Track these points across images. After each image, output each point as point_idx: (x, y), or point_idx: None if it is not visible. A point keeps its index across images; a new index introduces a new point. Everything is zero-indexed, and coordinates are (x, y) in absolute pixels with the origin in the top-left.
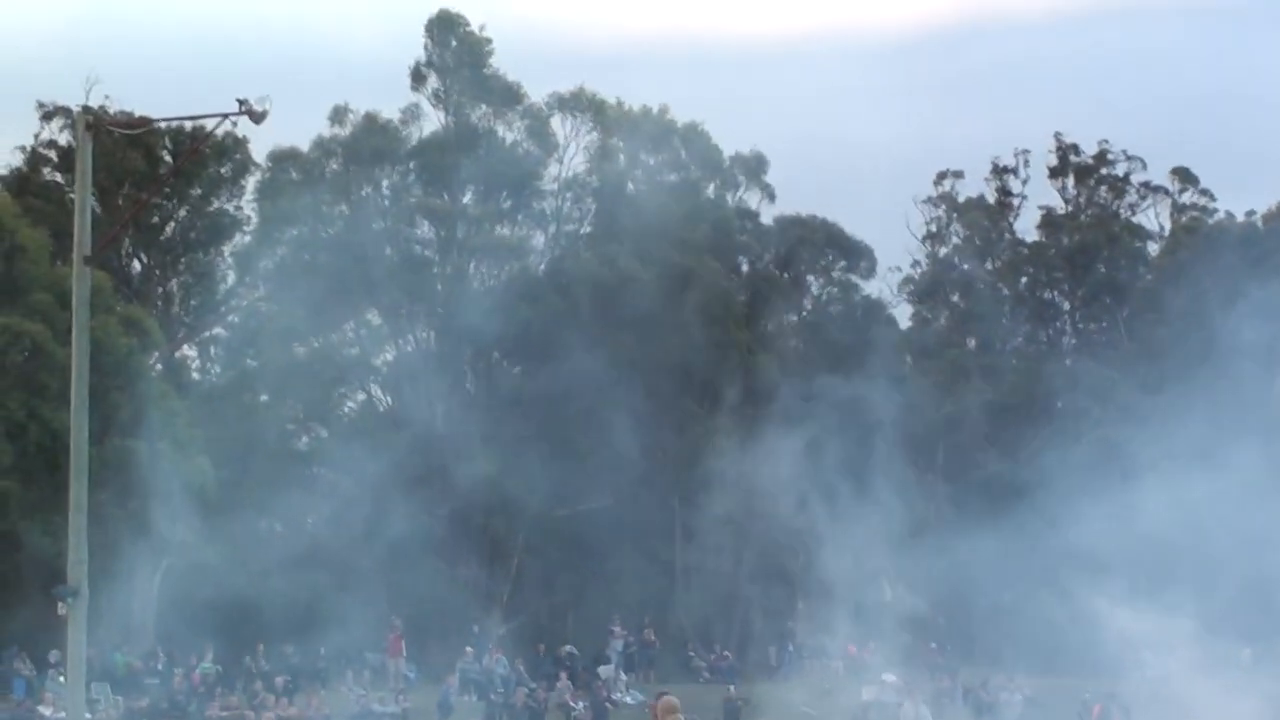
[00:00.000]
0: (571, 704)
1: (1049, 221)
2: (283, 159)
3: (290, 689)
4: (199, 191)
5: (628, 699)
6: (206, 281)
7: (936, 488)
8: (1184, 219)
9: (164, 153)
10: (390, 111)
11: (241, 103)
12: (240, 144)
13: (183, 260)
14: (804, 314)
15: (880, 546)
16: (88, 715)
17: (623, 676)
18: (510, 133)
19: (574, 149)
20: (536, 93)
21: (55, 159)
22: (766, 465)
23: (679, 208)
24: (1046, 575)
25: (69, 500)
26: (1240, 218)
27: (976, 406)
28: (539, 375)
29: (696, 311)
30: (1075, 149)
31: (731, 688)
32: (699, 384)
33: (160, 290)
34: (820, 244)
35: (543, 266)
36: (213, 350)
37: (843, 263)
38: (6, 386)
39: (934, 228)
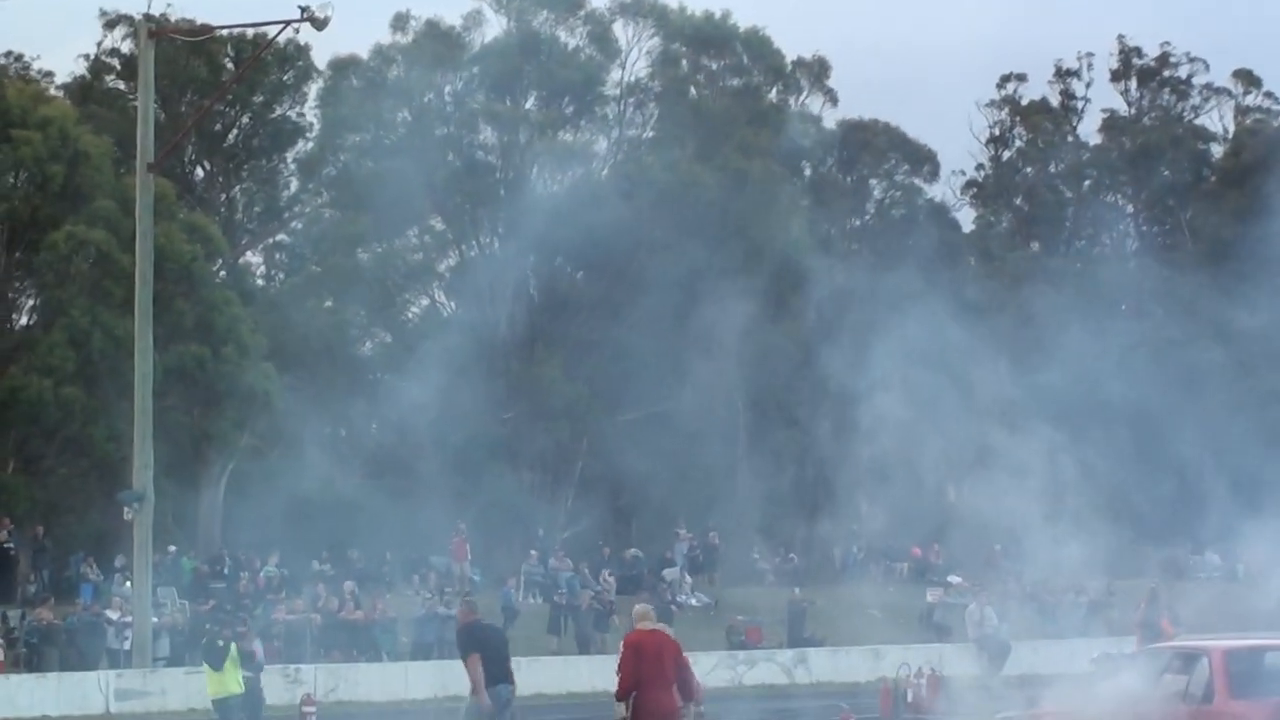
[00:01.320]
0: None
1: (1111, 124)
2: (344, 66)
3: (356, 593)
4: (261, 99)
5: (692, 601)
6: (269, 188)
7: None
8: (1247, 121)
9: (226, 60)
10: (452, 18)
11: (304, 9)
12: (302, 51)
13: (245, 167)
14: (866, 218)
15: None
16: (154, 619)
17: (687, 579)
18: (572, 38)
19: (636, 54)
20: None
21: (118, 67)
22: (830, 365)
23: (742, 112)
24: None
25: (134, 407)
26: None
27: (1039, 309)
28: (602, 280)
29: (758, 215)
30: (1138, 51)
31: (797, 590)
32: (763, 287)
33: (223, 197)
34: (883, 148)
35: (605, 171)
36: (276, 256)
37: (905, 166)
38: (71, 294)
39: (997, 131)
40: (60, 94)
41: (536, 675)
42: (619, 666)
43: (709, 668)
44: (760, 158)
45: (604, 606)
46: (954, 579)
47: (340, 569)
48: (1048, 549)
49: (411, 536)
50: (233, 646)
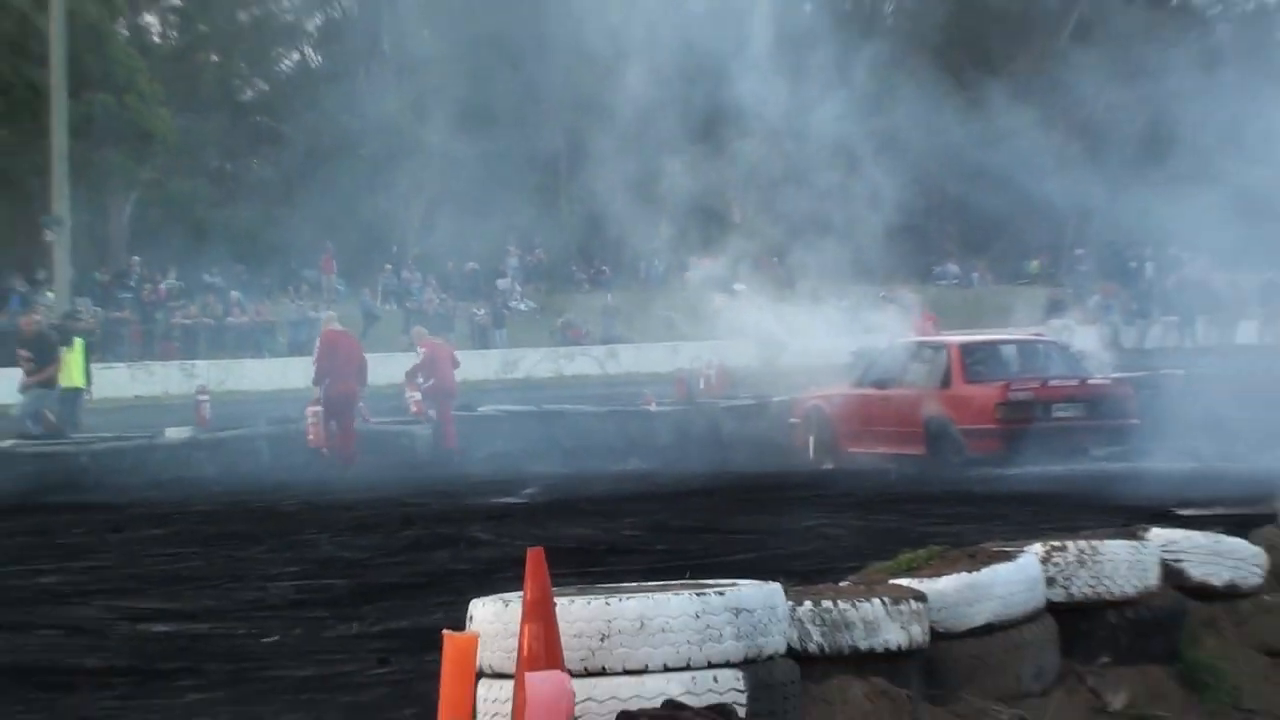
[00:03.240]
0: (475, 311)
1: None
2: None
3: (241, 300)
4: None
5: (521, 306)
6: None
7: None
8: None
9: None
10: None
11: None
12: None
13: None
14: None
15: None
16: (77, 319)
17: (517, 288)
18: None
19: None
20: None
21: None
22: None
23: None
24: None
25: (53, 145)
26: None
27: None
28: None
29: None
30: None
31: (609, 296)
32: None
33: None
34: None
35: None
36: (169, 18)
37: None
38: None
39: None
40: None
41: (391, 366)
42: (316, 359)
43: (536, 360)
44: None
45: (446, 309)
46: (739, 287)
47: (228, 280)
48: (827, 258)
49: (287, 253)
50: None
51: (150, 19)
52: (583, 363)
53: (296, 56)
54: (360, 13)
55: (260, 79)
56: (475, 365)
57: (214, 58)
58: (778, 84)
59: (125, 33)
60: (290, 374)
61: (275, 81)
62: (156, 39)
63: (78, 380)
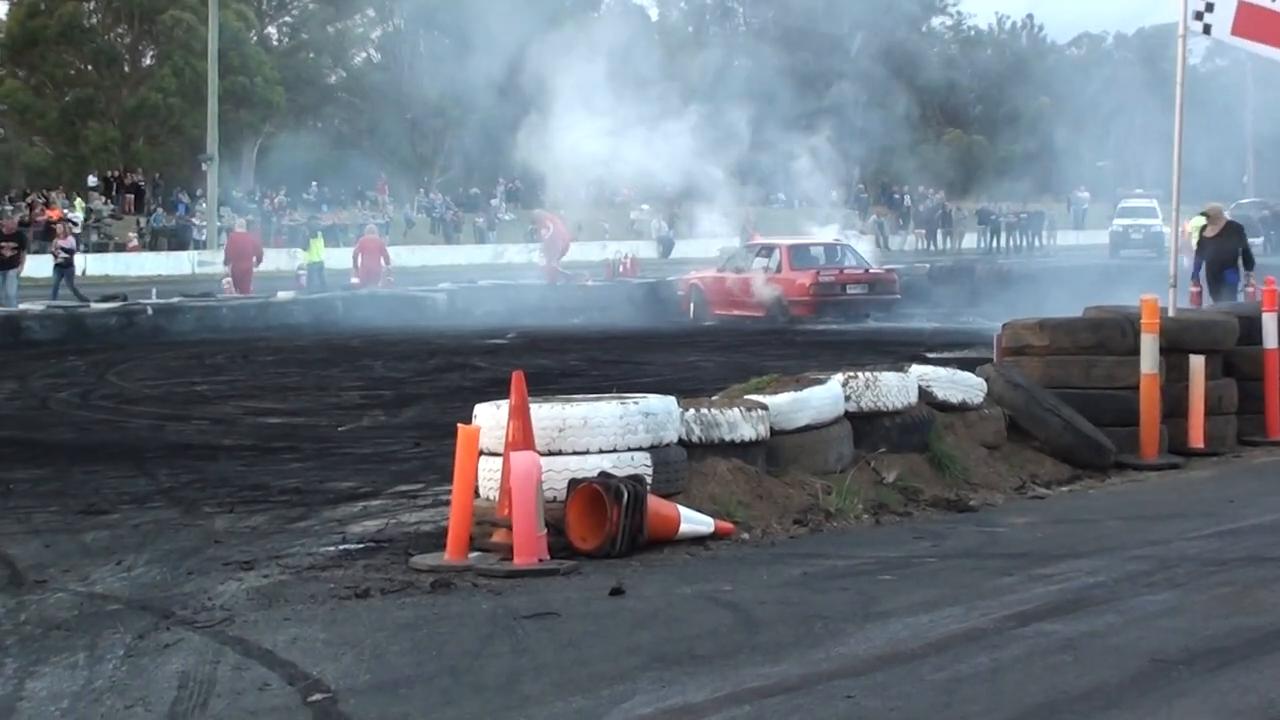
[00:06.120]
0: (476, 220)
1: None
2: None
3: (324, 209)
4: None
5: (506, 217)
6: None
7: None
8: None
9: None
10: None
11: None
12: None
13: None
14: None
15: None
16: (217, 222)
17: (504, 205)
18: None
19: None
20: None
21: None
22: None
23: None
24: None
25: (208, 108)
26: None
27: None
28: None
29: None
30: None
31: (563, 210)
32: None
33: None
34: None
35: None
36: (284, 28)
37: None
38: (173, 48)
39: None
40: None
41: (420, 256)
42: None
43: (515, 253)
44: None
45: (457, 220)
46: (645, 207)
47: (318, 197)
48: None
49: (356, 180)
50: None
51: (271, 29)
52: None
53: (363, 54)
54: (407, 27)
55: (341, 69)
56: (475, 254)
57: (311, 55)
58: None
59: (255, 38)
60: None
61: (350, 70)
62: (275, 42)
63: (318, 258)
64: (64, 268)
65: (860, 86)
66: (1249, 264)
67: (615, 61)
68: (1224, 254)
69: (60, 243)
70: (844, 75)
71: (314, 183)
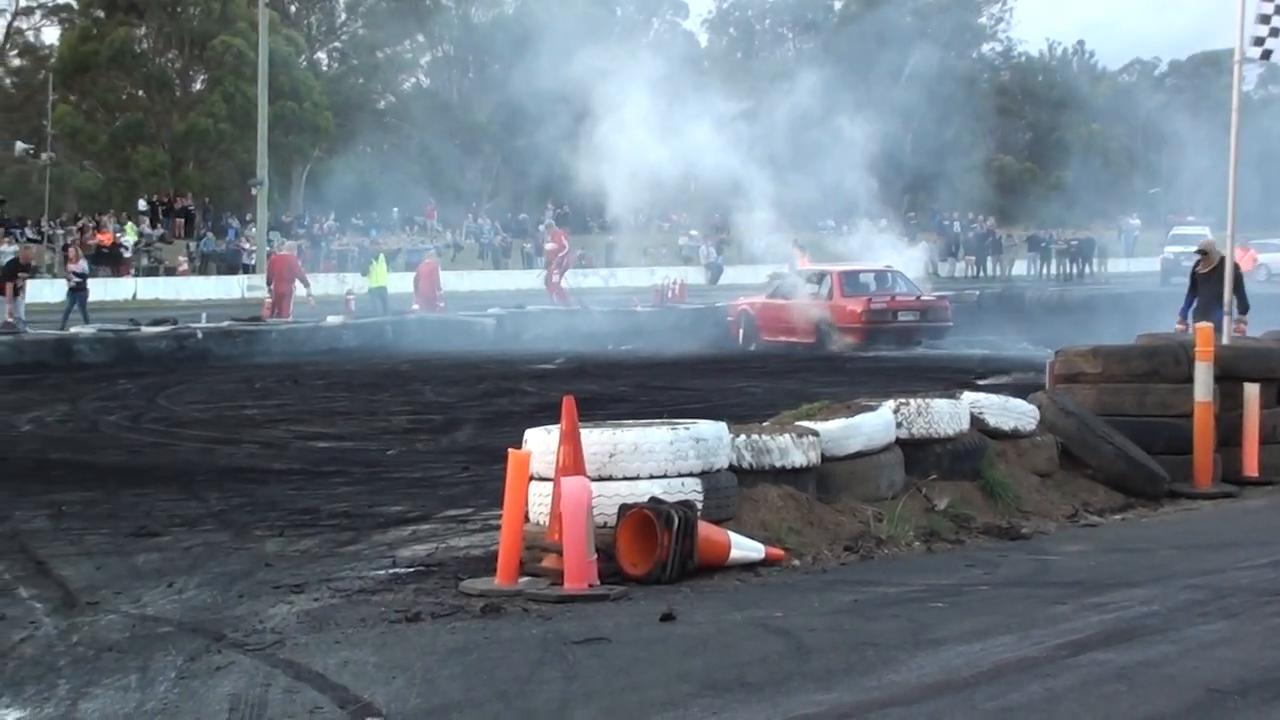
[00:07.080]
0: (524, 245)
1: None
2: None
3: (374, 235)
4: None
5: (550, 245)
6: (329, 16)
7: None
8: None
9: None
10: None
11: None
12: None
13: (319, 3)
14: None
15: None
16: (267, 246)
17: (548, 230)
18: None
19: None
20: None
21: None
22: None
23: None
24: None
25: (258, 132)
26: None
27: None
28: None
29: None
30: None
31: (610, 237)
32: None
33: (305, 20)
34: None
35: None
36: (333, 54)
37: None
38: (224, 73)
39: None
40: None
41: (470, 281)
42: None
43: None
44: None
45: (505, 244)
46: (694, 233)
47: (367, 222)
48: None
49: (406, 203)
50: (382, 257)
51: (320, 55)
52: (593, 279)
53: (412, 80)
54: (456, 52)
55: (390, 93)
56: (523, 280)
57: (360, 80)
58: None
59: (304, 63)
60: (404, 284)
61: (399, 94)
62: (324, 68)
63: (382, 281)
64: (77, 291)
65: (910, 113)
66: (1243, 308)
67: (667, 85)
68: (1217, 291)
69: (73, 267)
70: (893, 102)
71: (364, 208)
